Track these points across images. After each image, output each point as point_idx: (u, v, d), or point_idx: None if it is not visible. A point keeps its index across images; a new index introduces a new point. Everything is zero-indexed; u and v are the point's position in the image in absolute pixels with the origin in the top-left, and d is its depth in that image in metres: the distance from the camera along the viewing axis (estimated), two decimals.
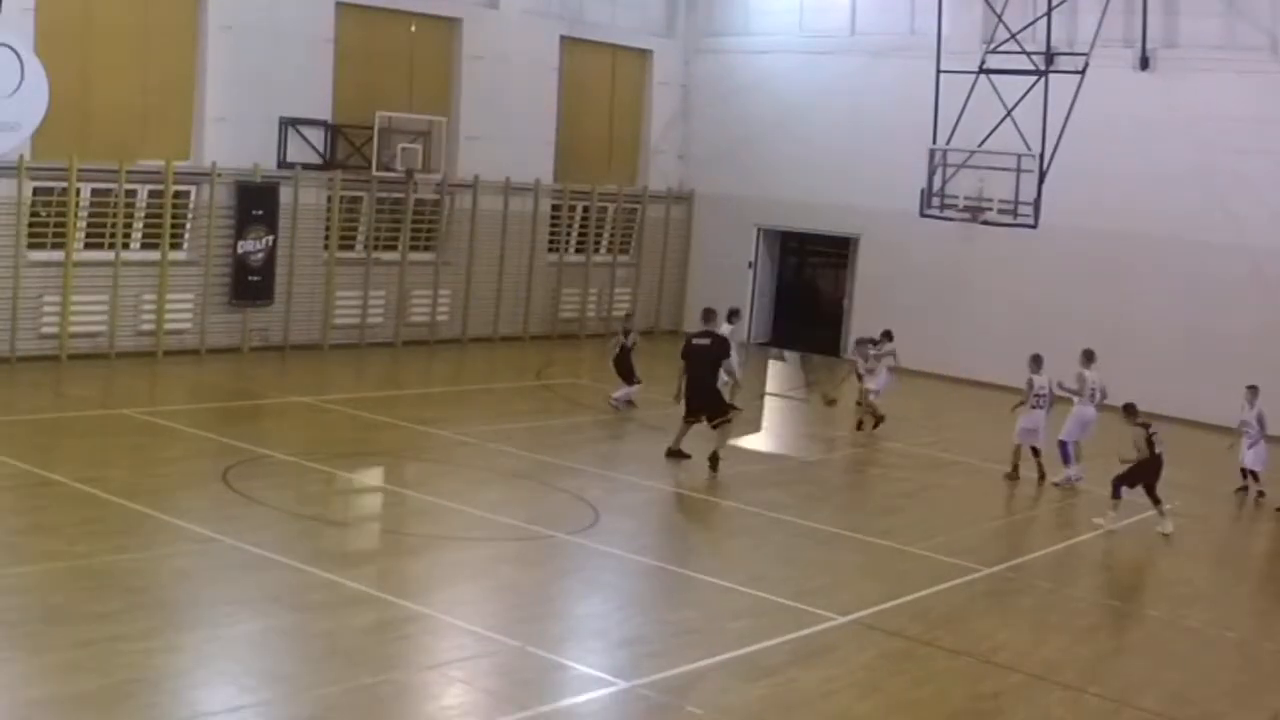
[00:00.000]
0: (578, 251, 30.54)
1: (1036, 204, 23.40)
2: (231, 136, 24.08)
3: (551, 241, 29.93)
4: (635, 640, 11.93)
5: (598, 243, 30.97)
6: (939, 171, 24.70)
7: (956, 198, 24.46)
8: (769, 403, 25.07)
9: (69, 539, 12.97)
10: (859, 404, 22.15)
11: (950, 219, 24.97)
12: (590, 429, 21.22)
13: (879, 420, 21.82)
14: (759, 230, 31.50)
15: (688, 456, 18.30)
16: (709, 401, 18.39)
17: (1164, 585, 15.46)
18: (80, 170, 22.21)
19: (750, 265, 31.65)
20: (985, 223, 24.53)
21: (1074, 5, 25.20)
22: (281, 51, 24.43)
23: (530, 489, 16.81)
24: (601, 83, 30.79)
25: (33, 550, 12.58)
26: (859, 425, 21.97)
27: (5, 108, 20.00)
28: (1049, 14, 24.01)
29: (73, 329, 22.58)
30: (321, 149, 25.49)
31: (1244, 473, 19.64)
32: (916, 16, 28.17)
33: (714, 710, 10.39)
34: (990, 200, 24.00)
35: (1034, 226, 23.67)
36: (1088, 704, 11.28)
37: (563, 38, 29.48)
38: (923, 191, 24.84)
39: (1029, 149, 23.32)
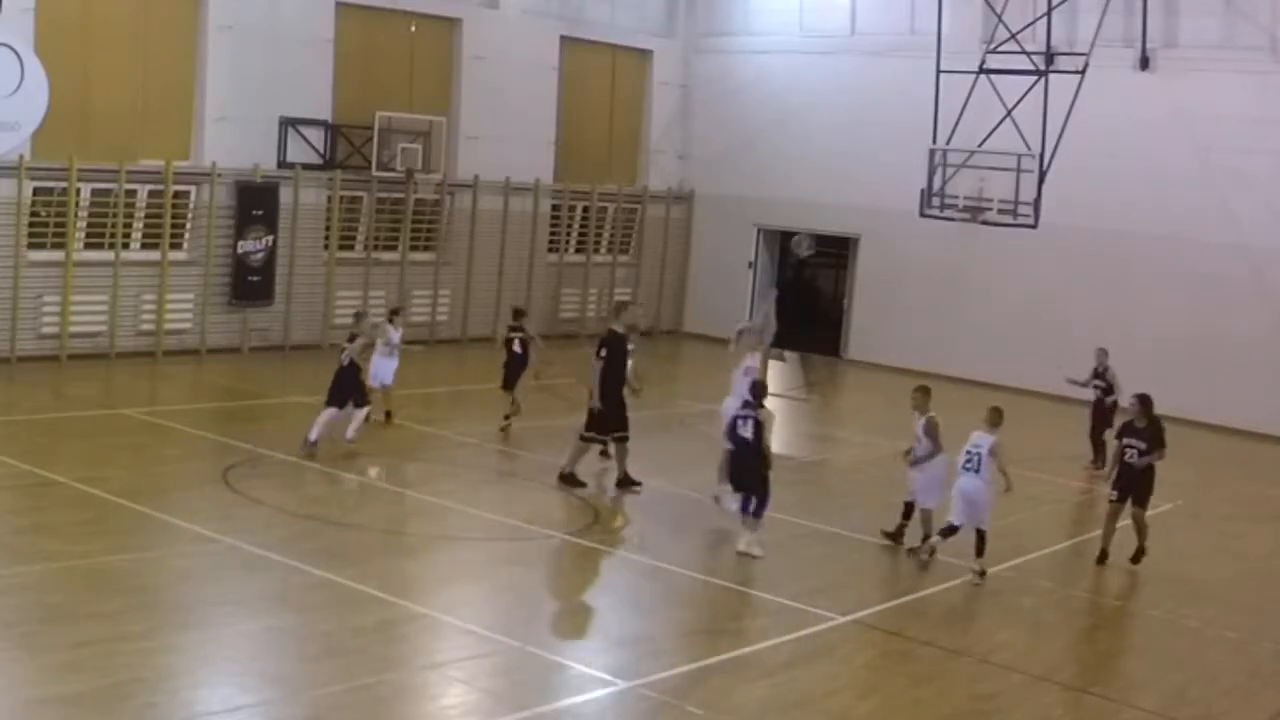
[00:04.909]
0: (578, 251, 30.54)
1: (1036, 204, 23.40)
2: (231, 136, 24.07)
3: (551, 241, 29.92)
4: (635, 640, 11.92)
5: (598, 243, 30.96)
6: (939, 171, 24.72)
7: (956, 198, 24.47)
8: (768, 403, 24.98)
9: (69, 539, 12.96)
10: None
11: (950, 219, 24.97)
12: None
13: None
14: (759, 230, 31.49)
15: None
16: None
17: (1164, 585, 15.43)
18: (80, 170, 22.20)
19: (750, 265, 31.64)
20: (985, 223, 24.53)
21: (1074, 5, 25.18)
22: (281, 51, 24.42)
23: (530, 489, 16.81)
24: (601, 83, 30.78)
25: (32, 550, 12.57)
26: None
27: (5, 108, 20.05)
28: (1049, 14, 24.02)
29: (73, 329, 22.58)
30: (321, 149, 25.49)
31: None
32: (916, 16, 28.15)
33: (714, 710, 10.38)
34: (990, 200, 24.01)
35: (1034, 226, 23.67)
36: (1088, 704, 11.28)
37: (563, 38, 29.47)
38: (923, 191, 24.84)
39: (1029, 149, 23.32)
